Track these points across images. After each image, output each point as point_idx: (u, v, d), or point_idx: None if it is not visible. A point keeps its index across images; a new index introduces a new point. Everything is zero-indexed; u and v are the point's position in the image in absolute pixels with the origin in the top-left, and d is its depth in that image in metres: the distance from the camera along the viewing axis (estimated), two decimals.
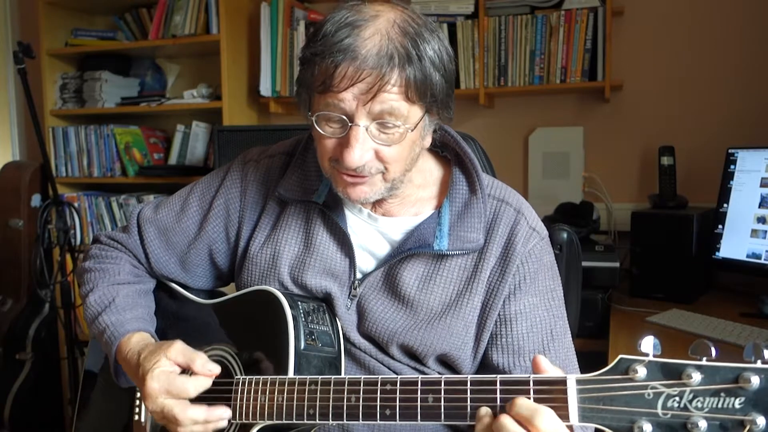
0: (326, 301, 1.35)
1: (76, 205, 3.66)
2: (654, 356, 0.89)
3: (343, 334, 1.33)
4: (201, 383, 1.22)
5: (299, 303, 1.29)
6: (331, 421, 1.14)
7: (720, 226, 2.55)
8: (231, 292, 1.45)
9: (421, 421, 1.06)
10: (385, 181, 1.23)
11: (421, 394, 1.06)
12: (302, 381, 1.16)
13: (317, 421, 1.14)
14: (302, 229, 1.38)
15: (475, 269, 1.30)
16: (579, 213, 2.87)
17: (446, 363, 1.34)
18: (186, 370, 1.24)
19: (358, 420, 1.11)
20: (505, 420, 0.97)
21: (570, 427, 0.96)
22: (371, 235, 1.35)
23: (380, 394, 1.09)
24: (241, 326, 1.35)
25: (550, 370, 1.01)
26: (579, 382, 0.94)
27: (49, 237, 3.41)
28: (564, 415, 0.94)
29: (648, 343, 0.90)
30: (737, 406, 0.83)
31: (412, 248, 1.29)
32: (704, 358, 0.87)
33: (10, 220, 3.54)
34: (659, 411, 0.87)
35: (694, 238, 2.57)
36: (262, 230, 1.40)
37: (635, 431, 0.88)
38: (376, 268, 1.33)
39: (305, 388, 1.15)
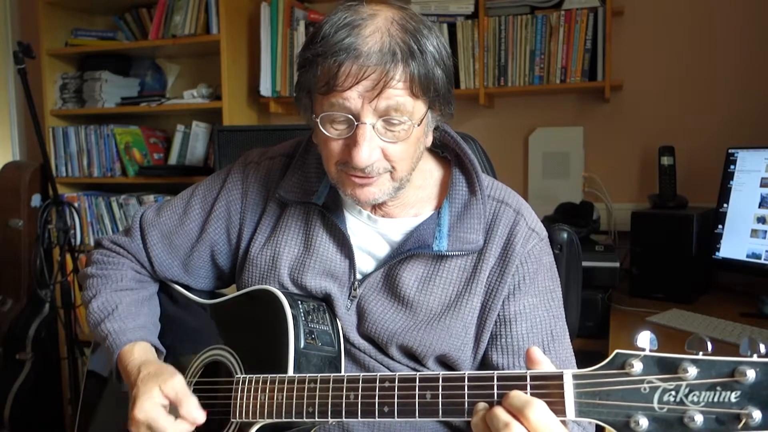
0: (326, 301, 1.36)
1: (76, 205, 3.66)
2: (650, 351, 0.89)
3: (343, 335, 1.33)
4: (182, 428, 1.22)
5: (299, 302, 1.29)
6: (330, 419, 1.14)
7: (720, 226, 2.55)
8: (231, 292, 1.45)
9: (419, 417, 1.06)
10: (393, 181, 1.24)
11: (419, 390, 1.06)
12: (302, 379, 1.16)
13: (316, 419, 1.14)
14: (302, 231, 1.38)
15: (475, 270, 1.30)
16: (579, 213, 2.87)
17: (446, 364, 1.34)
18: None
19: (357, 417, 1.11)
20: (498, 411, 0.97)
21: (564, 422, 0.96)
22: (371, 237, 1.36)
23: (379, 391, 1.09)
24: (241, 326, 1.36)
25: (544, 361, 1.01)
26: (575, 377, 0.94)
27: (49, 237, 3.41)
28: (560, 410, 0.94)
29: (644, 338, 0.90)
30: (733, 399, 0.83)
31: (411, 249, 1.30)
32: (700, 353, 0.86)
33: (10, 220, 3.54)
34: (655, 405, 0.87)
35: (694, 238, 2.56)
36: (263, 232, 1.41)
37: (631, 425, 0.88)
38: (376, 269, 1.34)
39: (305, 387, 1.15)
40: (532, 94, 3.23)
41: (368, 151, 1.16)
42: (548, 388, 0.96)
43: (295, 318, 1.24)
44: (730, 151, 2.58)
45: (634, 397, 0.88)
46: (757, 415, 0.81)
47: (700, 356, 0.86)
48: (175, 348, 1.45)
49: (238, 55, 3.45)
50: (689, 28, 3.00)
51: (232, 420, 1.23)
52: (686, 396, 0.85)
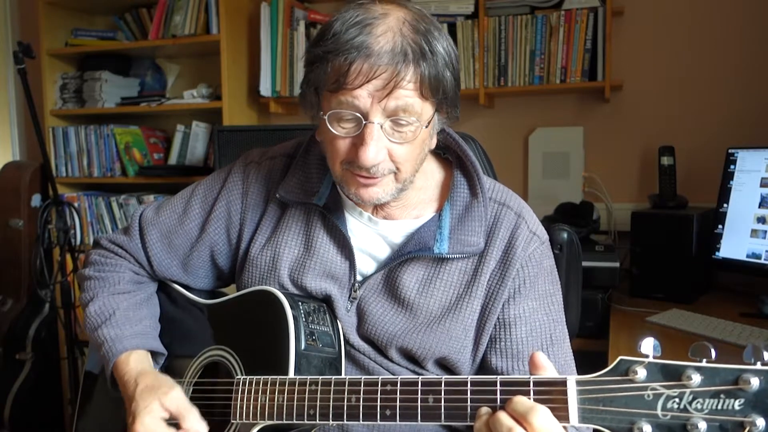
0: (326, 302, 1.35)
1: (76, 205, 3.66)
2: (654, 357, 0.89)
3: (343, 336, 1.33)
4: None
5: (300, 303, 1.29)
6: (331, 422, 1.13)
7: (720, 226, 2.55)
8: (231, 292, 1.45)
9: (421, 421, 1.06)
10: (396, 182, 1.23)
11: (421, 394, 1.06)
12: (302, 381, 1.16)
13: (317, 422, 1.14)
14: (302, 231, 1.38)
15: (475, 273, 1.30)
16: (579, 213, 2.87)
17: (445, 366, 1.34)
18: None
19: (359, 420, 1.11)
20: (501, 415, 0.97)
21: (565, 428, 0.96)
22: (371, 238, 1.35)
23: (380, 394, 1.09)
24: (241, 326, 1.35)
25: (548, 366, 1.01)
26: (579, 383, 0.94)
27: (49, 237, 3.41)
28: (564, 416, 0.94)
29: (648, 345, 0.90)
30: (737, 407, 0.83)
31: (412, 251, 1.29)
32: (704, 360, 0.87)
33: (10, 220, 3.54)
34: (659, 412, 0.87)
35: (694, 238, 2.57)
36: (263, 232, 1.40)
37: None
38: (376, 271, 1.33)
39: (305, 389, 1.15)
40: (532, 94, 3.23)
41: (375, 151, 1.16)
42: (551, 394, 0.96)
43: (295, 319, 1.24)
44: (730, 151, 2.58)
45: (637, 404, 0.89)
46: (760, 423, 0.81)
47: (704, 364, 0.86)
48: (174, 348, 1.44)
49: (238, 55, 3.44)
50: (689, 28, 3.00)
51: (232, 421, 1.23)
52: (690, 403, 0.86)
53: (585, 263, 2.29)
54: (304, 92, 1.25)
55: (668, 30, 3.03)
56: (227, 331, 1.37)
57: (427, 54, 1.14)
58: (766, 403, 0.82)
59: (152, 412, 1.22)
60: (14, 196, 3.55)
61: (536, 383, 0.97)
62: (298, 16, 3.38)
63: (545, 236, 1.37)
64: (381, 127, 1.16)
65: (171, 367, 1.41)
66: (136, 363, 1.34)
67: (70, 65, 3.80)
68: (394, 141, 1.18)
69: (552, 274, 1.37)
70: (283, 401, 1.17)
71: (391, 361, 1.34)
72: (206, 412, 1.26)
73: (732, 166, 2.55)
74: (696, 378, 0.85)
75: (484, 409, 1.00)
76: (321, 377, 1.15)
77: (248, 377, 1.23)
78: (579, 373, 1.13)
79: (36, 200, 3.59)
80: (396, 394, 1.08)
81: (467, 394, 1.02)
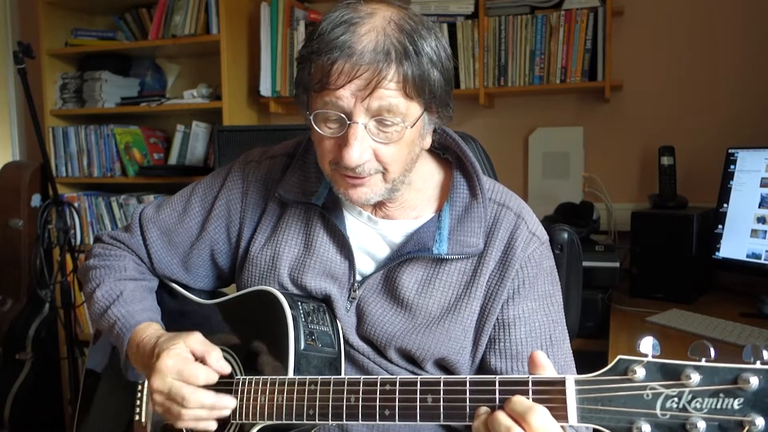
0: (326, 302, 1.35)
1: (76, 205, 3.66)
2: (653, 357, 0.89)
3: (343, 336, 1.33)
4: (210, 376, 1.21)
5: (299, 303, 1.29)
6: (330, 422, 1.13)
7: (720, 226, 2.55)
8: (231, 292, 1.45)
9: (420, 421, 1.06)
10: (385, 182, 1.23)
11: (420, 394, 1.06)
12: (302, 381, 1.16)
13: (317, 422, 1.14)
14: (302, 231, 1.38)
15: (475, 273, 1.30)
16: (579, 213, 2.87)
17: (444, 367, 1.34)
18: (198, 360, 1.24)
19: (358, 420, 1.11)
20: (500, 415, 0.97)
21: (563, 427, 0.96)
22: (371, 238, 1.35)
23: (380, 394, 1.09)
24: (241, 326, 1.35)
25: (547, 365, 1.01)
26: (578, 382, 0.94)
27: (49, 237, 3.41)
28: (563, 416, 0.94)
29: (647, 344, 0.90)
30: (736, 406, 0.83)
31: (411, 252, 1.29)
32: (703, 359, 0.86)
33: (10, 220, 3.54)
34: (658, 412, 0.87)
35: (694, 238, 2.56)
36: (263, 231, 1.40)
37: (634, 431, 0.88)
38: (376, 271, 1.33)
39: (305, 388, 1.15)
40: (532, 94, 3.23)
41: (359, 152, 1.16)
42: (550, 394, 0.96)
43: (295, 319, 1.24)
44: (730, 151, 2.58)
45: (636, 404, 0.88)
46: (760, 422, 0.81)
47: (703, 363, 0.86)
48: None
49: (238, 55, 3.44)
50: (689, 28, 3.00)
51: (232, 421, 1.23)
52: (689, 402, 0.86)
53: (585, 263, 2.29)
54: (297, 93, 1.25)
55: (668, 30, 3.03)
56: (227, 331, 1.36)
57: (410, 53, 1.13)
58: (765, 403, 0.82)
59: (178, 349, 1.21)
60: (14, 196, 3.56)
61: (535, 383, 0.97)
62: (298, 16, 3.38)
63: (545, 237, 1.36)
64: (365, 127, 1.16)
65: None
66: (154, 331, 1.34)
67: (70, 65, 3.80)
68: (379, 141, 1.17)
69: (552, 275, 1.37)
70: (282, 401, 1.17)
71: (390, 361, 1.34)
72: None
73: (732, 166, 2.55)
74: (695, 377, 0.85)
75: (483, 409, 1.00)
76: (320, 377, 1.15)
77: (248, 377, 1.23)
78: (579, 373, 1.13)
79: (36, 200, 3.59)
80: (395, 394, 1.08)
81: (466, 394, 1.02)
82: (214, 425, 1.21)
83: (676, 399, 0.86)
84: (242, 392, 1.22)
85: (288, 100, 3.41)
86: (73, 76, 3.71)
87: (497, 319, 1.31)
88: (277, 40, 3.37)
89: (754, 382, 0.82)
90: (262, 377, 1.21)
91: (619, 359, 0.91)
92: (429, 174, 1.37)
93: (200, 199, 1.47)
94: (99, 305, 1.41)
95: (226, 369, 1.23)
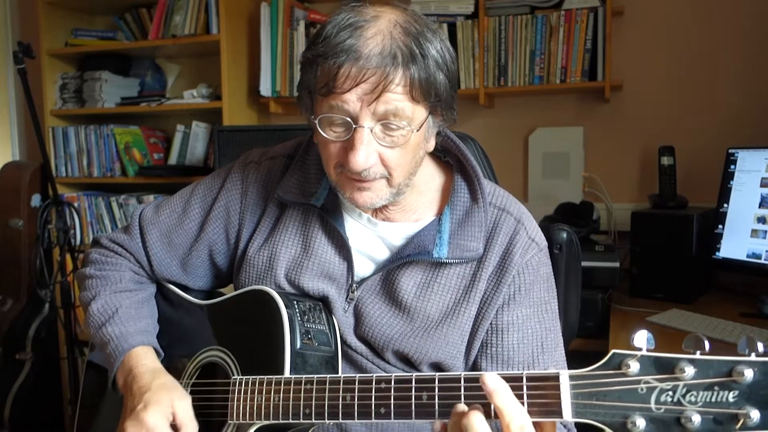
0: (323, 302, 1.35)
1: (76, 205, 3.67)
2: (647, 350, 0.89)
3: (340, 335, 1.33)
4: None
5: (295, 302, 1.29)
6: (327, 421, 1.13)
7: (720, 226, 2.55)
8: (228, 292, 1.45)
9: (415, 419, 1.05)
10: (390, 187, 1.22)
11: (415, 392, 1.05)
12: (298, 380, 1.16)
13: (313, 421, 1.14)
14: (300, 232, 1.37)
15: (473, 278, 1.30)
16: (579, 213, 2.87)
17: (440, 369, 1.34)
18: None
19: (354, 419, 1.10)
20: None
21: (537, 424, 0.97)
22: (370, 240, 1.35)
23: (375, 392, 1.08)
24: (237, 326, 1.35)
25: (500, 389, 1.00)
26: (572, 377, 0.93)
27: (49, 237, 3.41)
28: (557, 411, 0.93)
29: (641, 338, 0.89)
30: (731, 399, 0.83)
31: (411, 255, 1.29)
32: (698, 352, 0.86)
33: (10, 220, 3.54)
34: (652, 405, 0.87)
35: (694, 238, 2.56)
36: (262, 232, 1.40)
37: (629, 426, 0.87)
38: (374, 273, 1.33)
39: (301, 388, 1.15)
40: (532, 94, 3.22)
41: (365, 155, 1.15)
42: (544, 389, 0.95)
43: (290, 318, 1.24)
44: (730, 151, 2.58)
45: (631, 398, 0.88)
46: (755, 414, 0.81)
47: (698, 356, 0.86)
48: (171, 349, 1.44)
49: (238, 55, 3.44)
50: (689, 28, 3.00)
51: (230, 422, 1.23)
52: (684, 396, 0.85)
53: (585, 263, 2.28)
54: (300, 95, 1.25)
55: (668, 30, 3.03)
56: (223, 332, 1.37)
57: (417, 57, 1.13)
58: (760, 395, 0.81)
59: (163, 409, 1.22)
60: (14, 196, 3.56)
61: (529, 378, 0.97)
62: (298, 16, 3.39)
63: (544, 243, 1.36)
64: (371, 131, 1.15)
65: (168, 368, 1.39)
66: (152, 360, 1.35)
67: (70, 65, 3.81)
68: (385, 145, 1.17)
69: (548, 282, 1.36)
70: (279, 401, 1.17)
71: (387, 362, 1.34)
72: (203, 413, 1.26)
73: (732, 166, 2.55)
74: (689, 370, 0.85)
75: (460, 407, 1.00)
76: (316, 376, 1.15)
77: (244, 377, 1.23)
78: None
79: (36, 200, 3.59)
80: (390, 391, 1.07)
81: (461, 391, 1.02)
82: None
83: (670, 393, 0.86)
84: (239, 392, 1.22)
85: (288, 100, 3.41)
86: (73, 76, 3.71)
87: (491, 323, 1.30)
88: (277, 40, 3.37)
89: (749, 374, 0.82)
90: (258, 377, 1.21)
91: (613, 353, 0.91)
92: (430, 177, 1.37)
93: (200, 200, 1.47)
94: (94, 320, 1.41)
95: None
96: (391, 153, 1.18)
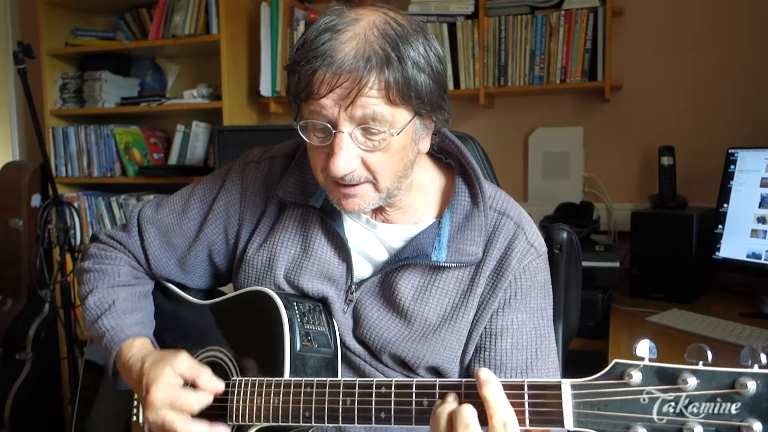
0: (323, 303, 1.35)
1: (76, 205, 3.67)
2: (650, 360, 0.89)
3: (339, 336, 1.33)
4: (205, 399, 1.21)
5: (295, 303, 1.28)
6: (326, 424, 1.13)
7: (720, 226, 2.55)
8: (228, 292, 1.45)
9: (415, 424, 1.06)
10: (377, 191, 1.21)
11: (416, 397, 1.05)
12: (297, 383, 1.16)
13: (313, 424, 1.14)
14: (300, 232, 1.37)
15: (472, 282, 1.29)
16: (579, 213, 2.87)
17: (437, 372, 1.34)
18: (188, 383, 1.23)
19: (354, 423, 1.11)
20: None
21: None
22: (369, 241, 1.34)
23: (375, 397, 1.09)
24: (236, 327, 1.35)
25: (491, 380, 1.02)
26: (574, 387, 0.93)
27: (49, 237, 3.41)
28: (558, 420, 0.93)
29: (643, 347, 0.89)
30: (733, 411, 0.83)
31: (409, 257, 1.28)
32: (700, 363, 0.86)
33: (10, 220, 3.54)
34: (654, 416, 0.87)
35: (694, 238, 2.56)
36: (261, 233, 1.40)
37: None
38: (373, 275, 1.32)
39: (301, 390, 1.15)
40: (532, 94, 3.22)
41: (345, 161, 1.14)
42: (546, 398, 0.95)
43: (290, 320, 1.24)
44: (730, 151, 2.57)
45: (633, 408, 0.88)
46: (757, 427, 0.81)
47: (701, 367, 0.86)
48: (169, 349, 1.44)
49: (238, 55, 3.44)
50: (689, 27, 2.99)
51: (229, 423, 1.23)
52: (686, 407, 0.85)
53: (585, 263, 2.28)
54: (288, 100, 1.24)
55: (668, 30, 3.02)
56: (222, 332, 1.36)
57: (392, 60, 1.10)
58: (763, 407, 0.81)
59: (166, 378, 1.21)
60: (14, 196, 3.55)
61: (531, 386, 0.97)
62: (298, 16, 3.38)
63: (543, 249, 1.35)
64: (351, 135, 1.14)
65: None
66: (140, 347, 1.34)
67: (70, 65, 3.80)
68: (366, 149, 1.15)
69: (545, 288, 1.35)
70: (278, 403, 1.17)
71: (385, 365, 1.34)
72: (202, 414, 1.26)
73: (732, 166, 2.54)
74: (692, 381, 0.85)
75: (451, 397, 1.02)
76: (316, 379, 1.15)
77: (243, 378, 1.23)
78: (577, 374, 1.12)
79: (36, 200, 3.58)
80: (390, 396, 1.07)
81: (462, 398, 1.02)
82: None
83: (672, 404, 0.86)
84: (238, 394, 1.22)
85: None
86: (73, 76, 3.70)
87: (485, 328, 1.30)
88: (277, 40, 3.37)
89: (752, 386, 0.82)
90: (257, 379, 1.21)
91: (615, 363, 0.91)
92: (430, 179, 1.36)
93: (199, 200, 1.46)
94: (90, 313, 1.41)
95: (220, 387, 1.22)
96: (373, 157, 1.16)
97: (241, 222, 1.42)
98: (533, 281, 1.31)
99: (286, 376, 1.19)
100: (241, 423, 1.21)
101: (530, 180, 3.25)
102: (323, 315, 1.32)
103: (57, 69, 3.73)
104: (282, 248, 1.36)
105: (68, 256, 3.42)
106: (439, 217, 1.32)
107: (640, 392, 0.88)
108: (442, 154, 1.39)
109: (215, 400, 1.25)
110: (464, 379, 1.04)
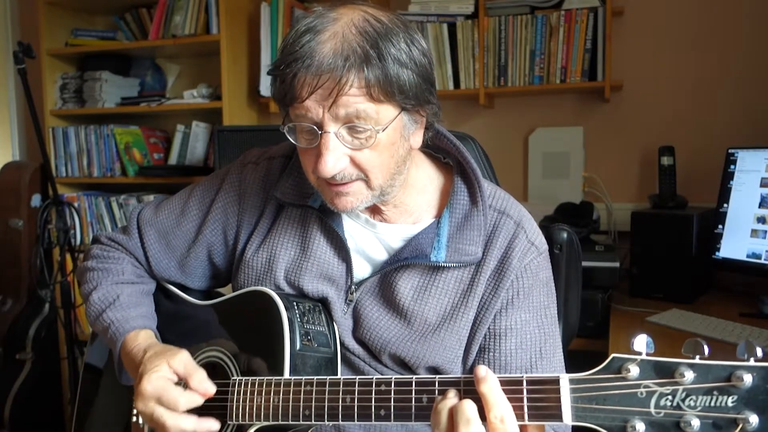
0: (323, 303, 1.35)
1: (76, 205, 3.67)
2: (647, 354, 0.89)
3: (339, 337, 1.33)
4: (193, 400, 1.20)
5: (295, 303, 1.28)
6: (326, 422, 1.13)
7: (720, 226, 2.55)
8: (228, 292, 1.45)
9: (415, 421, 1.05)
10: (370, 189, 1.20)
11: (415, 394, 1.05)
12: (297, 382, 1.16)
13: (313, 422, 1.14)
14: (299, 233, 1.37)
15: (472, 282, 1.29)
16: (579, 213, 2.87)
17: (437, 373, 1.33)
18: (182, 381, 1.23)
19: (354, 420, 1.10)
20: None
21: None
22: (369, 241, 1.34)
23: (375, 394, 1.08)
24: (236, 327, 1.35)
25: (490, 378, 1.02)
26: (572, 381, 0.93)
27: (49, 237, 3.42)
28: (557, 415, 0.93)
29: (641, 342, 0.89)
30: (730, 404, 0.83)
31: (409, 257, 1.28)
32: (697, 357, 0.86)
33: (10, 220, 3.54)
34: (652, 410, 0.87)
35: (694, 238, 2.56)
36: (259, 233, 1.40)
37: (629, 430, 0.87)
38: (372, 275, 1.32)
39: (301, 389, 1.15)
40: (532, 94, 3.22)
41: (333, 161, 1.14)
42: (544, 393, 0.95)
43: (290, 320, 1.23)
44: (730, 151, 2.57)
45: (630, 402, 0.88)
46: (753, 419, 0.81)
47: (697, 360, 0.86)
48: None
49: (238, 55, 3.44)
50: (689, 27, 3.00)
51: (229, 422, 1.23)
52: (683, 400, 0.85)
53: (585, 263, 2.28)
54: (277, 104, 1.23)
55: (668, 30, 3.03)
56: (223, 332, 1.36)
57: (372, 57, 1.09)
58: (759, 400, 0.82)
59: (159, 371, 1.21)
60: (14, 196, 3.55)
61: (529, 381, 0.97)
62: (298, 16, 3.38)
63: (544, 247, 1.34)
64: (337, 135, 1.13)
65: None
66: (145, 338, 1.35)
67: (70, 65, 3.80)
68: (353, 147, 1.15)
69: (548, 286, 1.35)
70: (278, 402, 1.17)
71: (385, 366, 1.34)
72: (202, 413, 1.26)
73: (732, 166, 2.55)
74: (689, 375, 0.85)
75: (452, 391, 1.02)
76: (316, 378, 1.15)
77: (243, 378, 1.23)
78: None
79: (36, 200, 3.58)
80: (390, 394, 1.07)
81: (462, 394, 1.02)
82: None
83: (670, 397, 0.86)
84: (238, 393, 1.22)
85: None
86: (73, 76, 3.71)
87: (489, 328, 1.29)
88: (277, 40, 3.37)
89: (748, 379, 0.82)
90: (257, 378, 1.21)
91: (613, 357, 0.91)
92: (428, 178, 1.35)
93: (198, 201, 1.46)
94: (95, 308, 1.41)
95: (211, 390, 1.22)
96: (362, 155, 1.16)
97: (239, 223, 1.42)
98: (535, 280, 1.30)
99: (286, 375, 1.19)
100: (241, 422, 1.21)
101: (530, 180, 3.26)
102: (323, 315, 1.32)
103: (57, 69, 3.73)
104: (281, 249, 1.36)
105: (68, 256, 3.42)
106: (438, 216, 1.31)
107: (638, 386, 0.88)
108: (440, 154, 1.38)
109: (215, 399, 1.25)
110: (463, 376, 1.03)
